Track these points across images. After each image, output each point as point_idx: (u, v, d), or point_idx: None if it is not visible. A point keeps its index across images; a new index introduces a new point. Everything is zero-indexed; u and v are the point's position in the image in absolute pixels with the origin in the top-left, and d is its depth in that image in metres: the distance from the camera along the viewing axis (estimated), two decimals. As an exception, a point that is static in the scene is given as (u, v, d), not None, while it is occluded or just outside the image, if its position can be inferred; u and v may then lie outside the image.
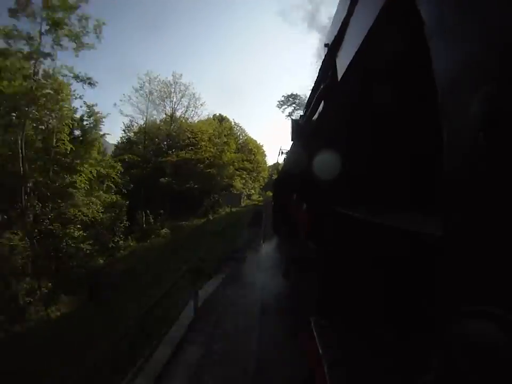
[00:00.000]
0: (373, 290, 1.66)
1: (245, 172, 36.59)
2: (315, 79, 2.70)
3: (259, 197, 41.50)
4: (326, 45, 2.08)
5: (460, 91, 0.64)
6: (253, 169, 42.62)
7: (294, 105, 35.10)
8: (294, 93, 35.19)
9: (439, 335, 0.69)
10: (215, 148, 29.98)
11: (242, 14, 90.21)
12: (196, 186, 26.64)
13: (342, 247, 1.92)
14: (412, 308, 1.29)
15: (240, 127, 44.31)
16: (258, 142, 46.80)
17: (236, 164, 33.64)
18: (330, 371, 1.39)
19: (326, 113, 2.36)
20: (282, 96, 35.88)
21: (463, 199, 0.65)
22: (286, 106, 35.86)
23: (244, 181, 36.06)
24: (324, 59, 2.23)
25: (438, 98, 0.69)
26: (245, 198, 34.67)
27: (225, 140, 32.52)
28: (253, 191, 41.13)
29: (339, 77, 1.78)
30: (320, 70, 2.45)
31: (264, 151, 48.72)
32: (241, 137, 44.10)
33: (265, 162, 49.40)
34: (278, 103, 36.14)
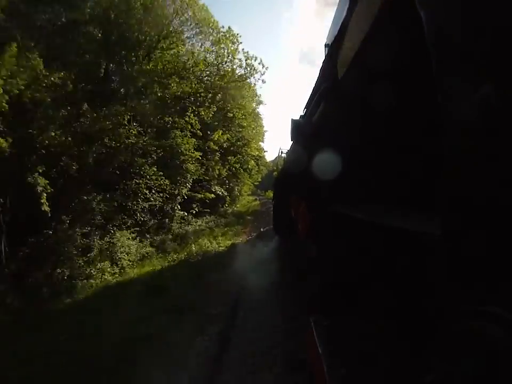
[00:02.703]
0: (373, 290, 1.66)
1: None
2: (315, 79, 2.70)
3: (254, 200, 25.62)
4: (326, 45, 2.09)
5: (460, 91, 0.64)
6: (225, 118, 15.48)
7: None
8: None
9: (439, 335, 0.69)
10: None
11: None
12: None
13: (342, 246, 1.93)
14: (412, 307, 1.29)
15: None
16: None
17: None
18: (330, 371, 1.39)
19: (326, 113, 2.36)
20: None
21: (462, 199, 0.65)
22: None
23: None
24: (324, 59, 2.23)
25: (437, 98, 0.69)
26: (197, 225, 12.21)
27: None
28: (226, 189, 16.98)
29: (339, 77, 1.78)
30: (320, 70, 2.45)
31: (257, 95, 20.59)
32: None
33: (261, 132, 23.58)
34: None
